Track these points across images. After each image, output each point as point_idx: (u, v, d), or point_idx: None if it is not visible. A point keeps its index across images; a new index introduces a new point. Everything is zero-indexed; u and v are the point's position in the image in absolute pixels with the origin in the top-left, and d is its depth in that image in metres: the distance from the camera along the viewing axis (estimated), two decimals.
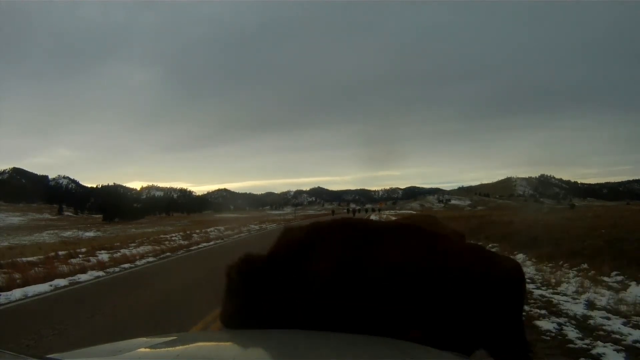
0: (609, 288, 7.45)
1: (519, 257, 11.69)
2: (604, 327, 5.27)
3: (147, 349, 1.96)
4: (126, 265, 12.87)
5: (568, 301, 6.70)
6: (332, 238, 3.03)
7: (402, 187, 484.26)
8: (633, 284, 7.43)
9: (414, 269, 2.75)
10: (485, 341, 2.92)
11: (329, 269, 2.83)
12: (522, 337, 2.97)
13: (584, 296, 7.00)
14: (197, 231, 29.01)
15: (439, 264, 2.75)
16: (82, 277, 10.67)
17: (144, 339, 2.42)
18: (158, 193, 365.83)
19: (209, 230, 30.19)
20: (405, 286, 2.73)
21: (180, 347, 1.96)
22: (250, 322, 2.91)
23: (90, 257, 13.71)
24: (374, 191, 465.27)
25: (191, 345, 2.01)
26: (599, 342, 4.74)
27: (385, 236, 3.03)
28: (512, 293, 2.88)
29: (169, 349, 1.94)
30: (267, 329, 2.82)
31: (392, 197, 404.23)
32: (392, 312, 2.71)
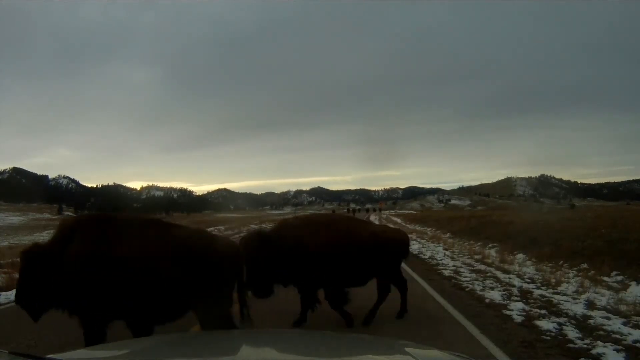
0: (609, 288, 7.46)
1: (519, 257, 11.68)
2: (604, 327, 5.27)
3: (147, 349, 1.96)
4: None
5: (568, 301, 6.69)
6: (89, 226, 3.72)
7: (402, 187, 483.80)
8: (633, 283, 7.44)
9: (149, 254, 3.51)
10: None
11: (81, 255, 3.45)
12: (227, 313, 3.79)
13: (584, 296, 7.00)
14: None
15: (169, 247, 3.59)
16: None
17: (144, 338, 2.42)
18: (158, 193, 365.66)
19: (209, 230, 30.09)
20: (145, 268, 3.44)
21: (180, 347, 1.96)
22: (35, 300, 3.65)
23: None
24: (374, 191, 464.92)
25: (191, 345, 2.01)
26: (599, 342, 4.74)
27: (132, 226, 3.82)
28: (227, 268, 3.75)
29: (169, 348, 1.94)
30: (49, 308, 3.65)
31: (392, 197, 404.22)
32: (143, 292, 3.41)
